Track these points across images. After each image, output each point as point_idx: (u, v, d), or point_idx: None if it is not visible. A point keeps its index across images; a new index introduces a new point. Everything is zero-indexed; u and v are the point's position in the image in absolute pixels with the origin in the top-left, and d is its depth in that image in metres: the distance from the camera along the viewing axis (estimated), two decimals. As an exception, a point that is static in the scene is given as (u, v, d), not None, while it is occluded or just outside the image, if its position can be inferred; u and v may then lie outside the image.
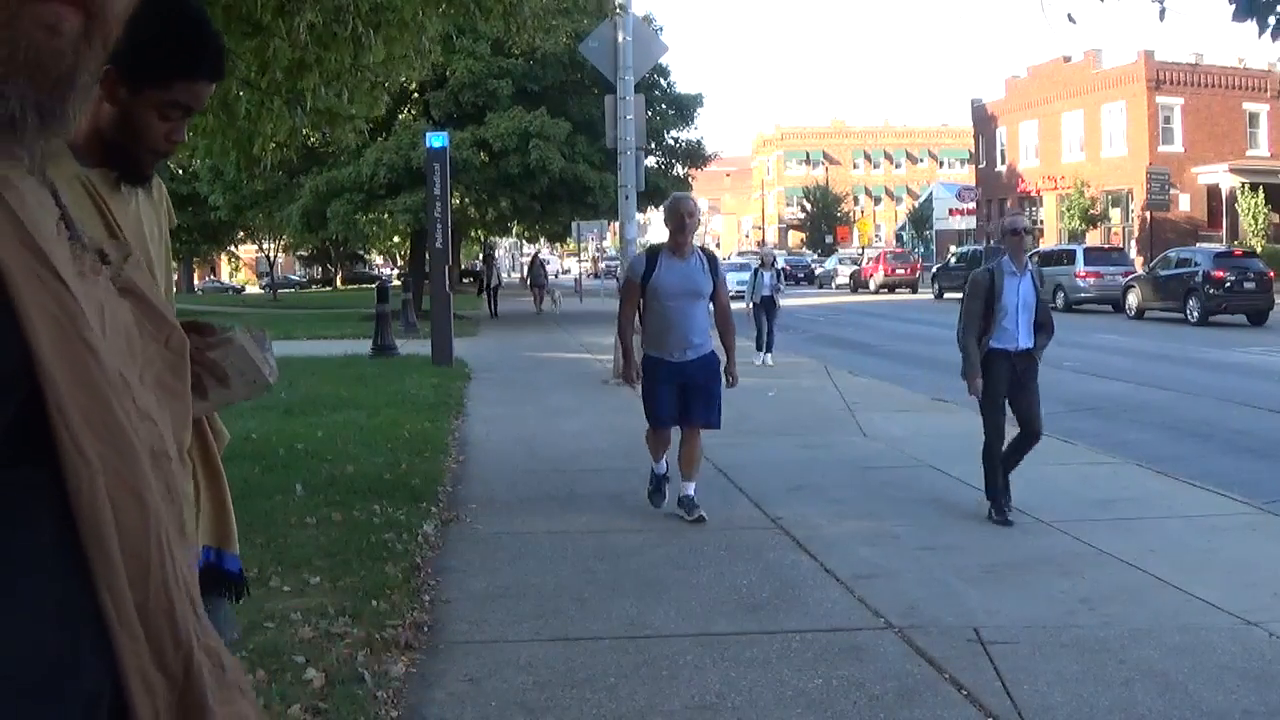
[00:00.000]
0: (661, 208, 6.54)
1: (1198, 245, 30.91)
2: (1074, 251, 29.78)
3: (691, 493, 6.41)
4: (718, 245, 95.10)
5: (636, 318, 6.57)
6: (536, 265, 34.49)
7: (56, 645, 0.76)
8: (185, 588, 0.86)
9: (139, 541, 0.80)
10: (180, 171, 24.65)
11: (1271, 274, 24.04)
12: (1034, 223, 48.74)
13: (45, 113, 0.76)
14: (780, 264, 26.09)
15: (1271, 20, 5.10)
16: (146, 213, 2.17)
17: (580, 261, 48.02)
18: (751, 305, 15.65)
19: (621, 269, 15.94)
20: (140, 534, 0.81)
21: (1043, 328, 6.53)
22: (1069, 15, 6.20)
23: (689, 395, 6.30)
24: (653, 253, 6.42)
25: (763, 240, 78.79)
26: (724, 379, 6.43)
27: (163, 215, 2.25)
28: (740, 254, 59.98)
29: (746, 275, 46.06)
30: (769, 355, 15.41)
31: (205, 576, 2.18)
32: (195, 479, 2.16)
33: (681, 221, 6.27)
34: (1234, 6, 5.19)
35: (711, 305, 6.37)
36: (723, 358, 6.47)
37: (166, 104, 1.97)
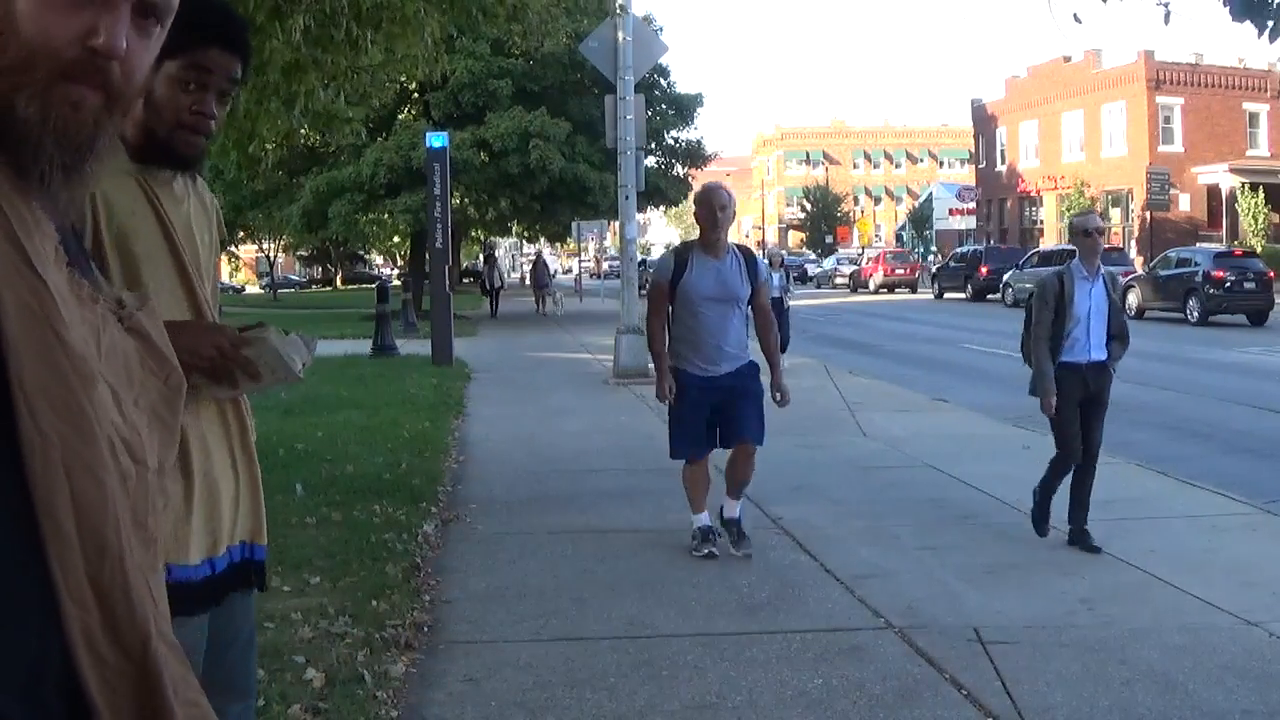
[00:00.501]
0: (693, 198, 5.78)
1: (1198, 245, 30.91)
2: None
3: (738, 514, 5.66)
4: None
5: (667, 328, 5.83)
6: (539, 265, 33.55)
7: None
8: (144, 576, 0.89)
9: (97, 518, 0.84)
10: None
11: (1271, 274, 24.04)
12: (1034, 223, 48.81)
13: (69, 170, 0.89)
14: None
15: (1270, 22, 5.10)
16: (199, 218, 2.17)
17: (581, 261, 47.86)
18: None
19: (624, 268, 15.94)
20: (98, 511, 0.84)
21: (1117, 337, 5.94)
22: (1075, 15, 6.19)
23: (727, 411, 5.51)
24: (682, 251, 5.66)
25: (763, 240, 78.83)
26: (769, 394, 5.70)
27: (214, 225, 2.26)
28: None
29: None
30: (781, 358, 15.58)
31: (238, 573, 2.17)
32: (235, 471, 2.16)
33: (714, 215, 5.47)
34: (1228, 7, 5.20)
35: (750, 310, 5.68)
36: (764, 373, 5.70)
37: (182, 73, 1.96)
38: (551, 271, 36.54)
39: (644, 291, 38.47)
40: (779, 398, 5.64)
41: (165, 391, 1.01)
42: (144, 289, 1.97)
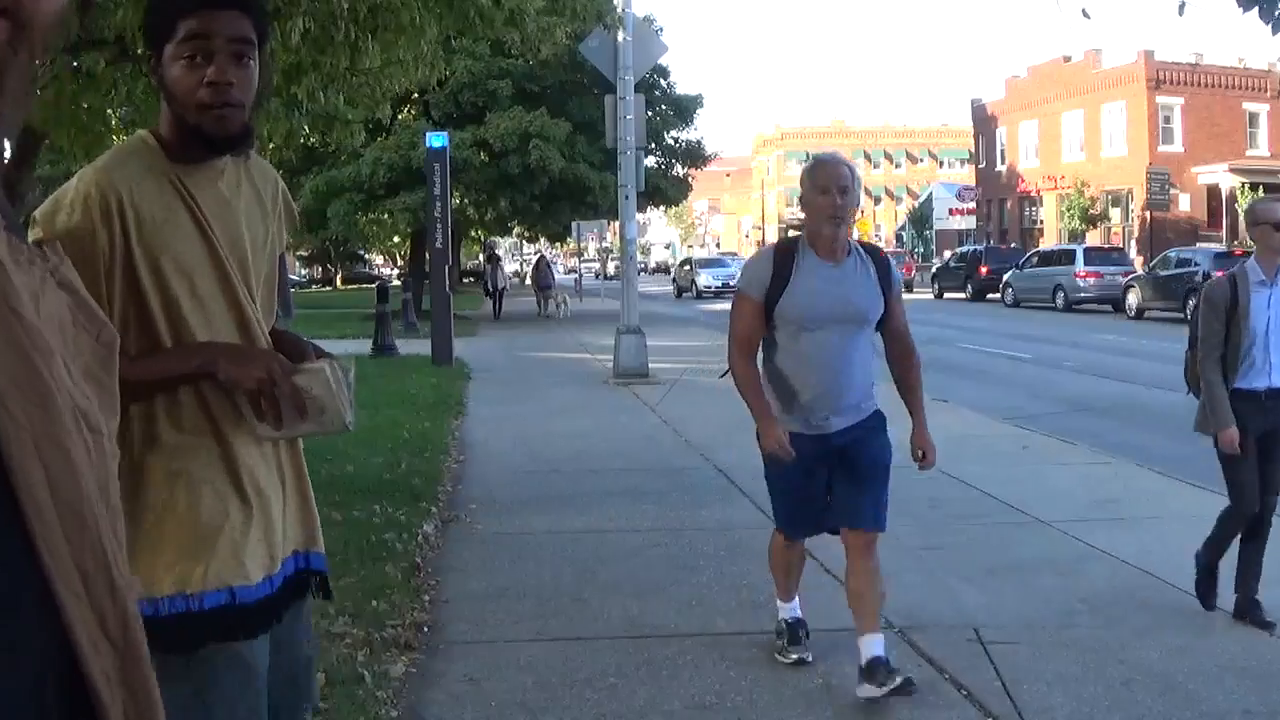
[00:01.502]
0: (802, 173, 3.96)
1: (1198, 246, 30.91)
2: (1073, 251, 29.80)
3: (881, 651, 3.79)
4: (718, 245, 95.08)
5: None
6: (542, 266, 32.44)
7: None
8: (120, 554, 0.87)
9: (72, 496, 0.82)
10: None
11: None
12: (1034, 223, 48.78)
13: None
14: None
15: (1277, 13, 5.10)
16: (252, 214, 2.01)
17: (582, 261, 47.60)
18: None
19: (624, 268, 15.80)
20: (72, 487, 0.82)
21: None
22: (1084, 11, 6.14)
23: (840, 480, 3.89)
24: (784, 251, 3.93)
25: (763, 241, 78.79)
26: (892, 453, 3.99)
27: (274, 215, 2.09)
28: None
29: (731, 271, 43.53)
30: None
31: (295, 584, 2.07)
32: (281, 478, 2.05)
33: (830, 200, 3.73)
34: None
35: (879, 335, 4.02)
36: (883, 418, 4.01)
37: (181, 50, 1.83)
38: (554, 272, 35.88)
39: (681, 291, 37.98)
40: (921, 456, 3.98)
41: (98, 349, 0.95)
42: (180, 303, 1.87)
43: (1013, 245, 42.01)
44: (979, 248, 39.65)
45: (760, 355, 3.99)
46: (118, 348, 0.98)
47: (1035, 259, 30.61)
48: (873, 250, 4.02)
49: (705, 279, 41.89)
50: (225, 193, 1.95)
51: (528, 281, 41.38)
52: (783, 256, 3.90)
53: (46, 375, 0.81)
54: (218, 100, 1.83)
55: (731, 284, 40.66)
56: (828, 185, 3.76)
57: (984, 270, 33.77)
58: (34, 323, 0.82)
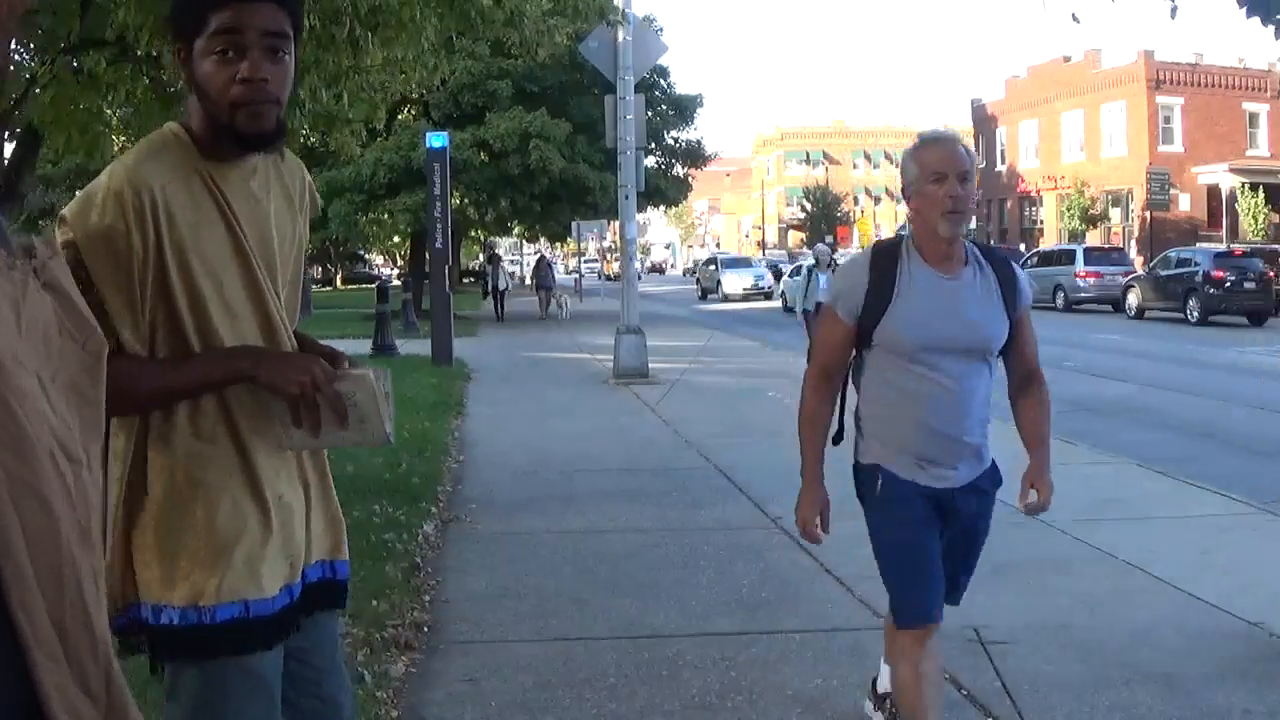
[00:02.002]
0: (904, 156, 3.00)
1: (1197, 245, 30.91)
2: (1073, 251, 29.79)
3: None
4: (718, 245, 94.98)
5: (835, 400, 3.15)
6: (542, 266, 31.93)
7: None
8: (98, 596, 0.83)
9: (50, 549, 0.77)
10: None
11: (1271, 274, 24.05)
12: (1034, 223, 48.79)
13: None
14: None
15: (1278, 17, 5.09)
16: (281, 215, 1.96)
17: (583, 261, 47.31)
18: (803, 313, 13.74)
19: (624, 268, 15.77)
20: (49, 538, 0.77)
21: None
22: (1073, 15, 6.13)
23: (946, 548, 3.13)
24: (885, 257, 2.99)
25: (763, 240, 78.80)
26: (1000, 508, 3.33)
27: (301, 213, 2.04)
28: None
29: (759, 271, 42.10)
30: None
31: (321, 592, 2.03)
32: (304, 484, 1.99)
33: (949, 191, 2.84)
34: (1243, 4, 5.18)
35: (1002, 363, 3.19)
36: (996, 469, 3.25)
37: (212, 45, 1.76)
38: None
39: (705, 294, 37.33)
40: (1036, 500, 3.28)
41: (85, 359, 0.90)
42: (207, 303, 1.83)
43: (1009, 246, 42.00)
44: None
45: (860, 392, 3.12)
46: (106, 356, 0.93)
47: (1035, 259, 30.64)
48: (993, 255, 3.10)
49: (731, 281, 39.38)
50: (256, 192, 1.90)
51: (528, 281, 41.22)
52: (884, 264, 2.97)
53: (22, 417, 0.77)
54: (253, 98, 1.77)
55: (761, 285, 39.07)
56: (945, 169, 2.86)
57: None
58: (10, 361, 0.77)
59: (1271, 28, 5.02)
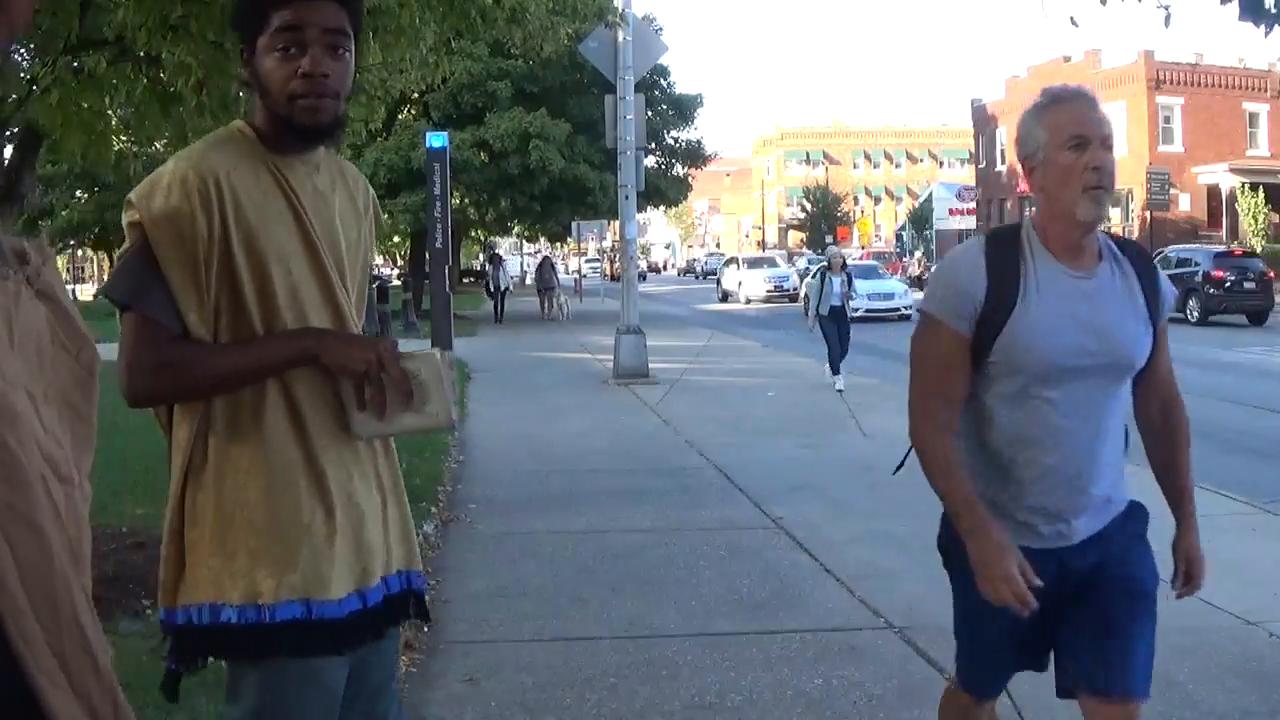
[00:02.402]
0: (1024, 119, 2.29)
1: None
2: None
3: None
4: (718, 245, 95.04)
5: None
6: (545, 267, 30.97)
7: None
8: (94, 617, 0.82)
9: (43, 576, 0.76)
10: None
11: (1271, 274, 24.06)
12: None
13: None
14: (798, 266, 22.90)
15: (1278, 28, 5.10)
16: (346, 213, 1.96)
17: (586, 261, 46.93)
18: (818, 317, 13.04)
19: (624, 268, 15.79)
20: (43, 567, 0.76)
21: None
22: (1071, 18, 6.14)
23: (1082, 616, 2.37)
24: (1004, 247, 2.32)
25: (763, 240, 78.77)
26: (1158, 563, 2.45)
27: (365, 221, 2.04)
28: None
29: (784, 273, 37.89)
30: (840, 378, 12.65)
31: (395, 605, 1.96)
32: (381, 493, 1.94)
33: (1090, 160, 2.19)
34: (1238, 5, 5.19)
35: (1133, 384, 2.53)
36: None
37: (274, 42, 1.79)
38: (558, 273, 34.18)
39: (726, 296, 35.42)
40: (1185, 577, 2.44)
41: (78, 372, 0.88)
42: (274, 291, 1.80)
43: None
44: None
45: (965, 421, 2.40)
46: (98, 370, 0.91)
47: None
48: (1129, 248, 2.43)
49: (753, 283, 36.76)
50: (322, 187, 1.91)
51: (528, 281, 40.98)
52: (1003, 258, 2.29)
53: (14, 444, 0.76)
54: (312, 91, 1.79)
55: (785, 287, 34.91)
56: (1085, 133, 2.20)
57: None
58: (7, 370, 0.75)
59: (1264, 28, 5.03)
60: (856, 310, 24.48)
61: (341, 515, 1.83)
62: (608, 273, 49.87)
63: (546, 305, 29.56)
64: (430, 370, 1.85)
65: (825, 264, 13.57)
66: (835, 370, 12.72)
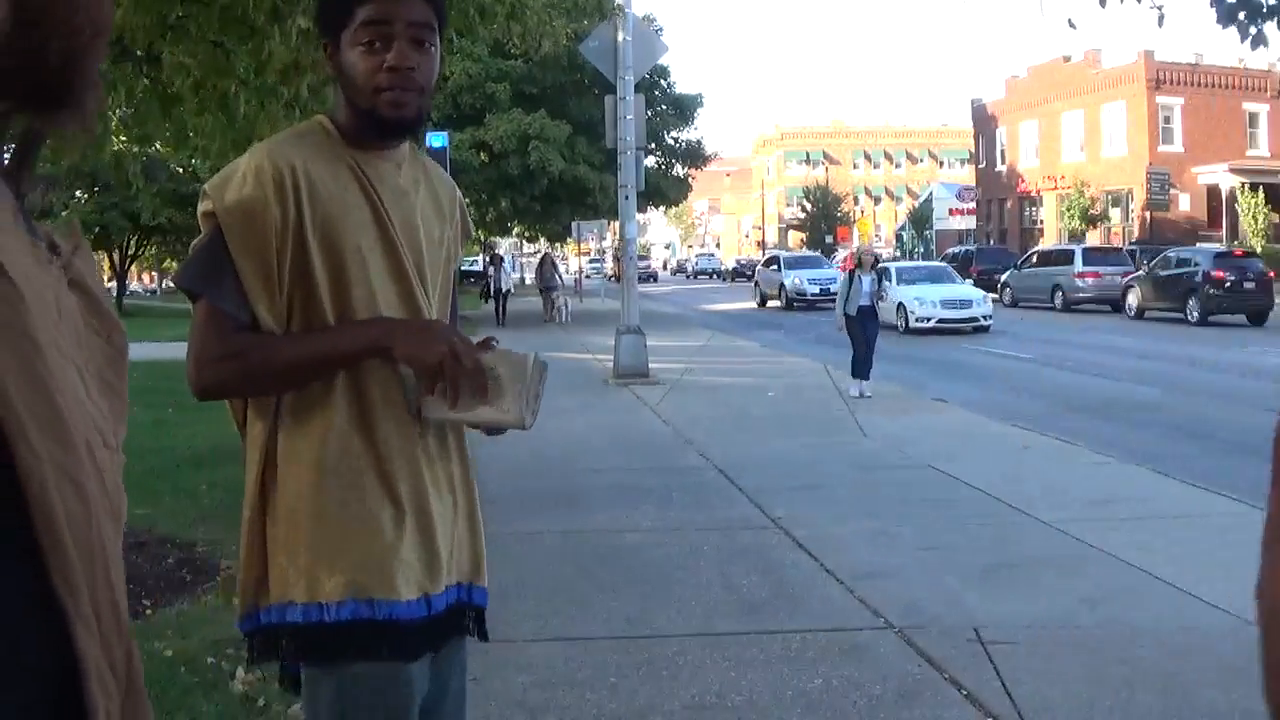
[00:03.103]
0: None
1: (1198, 245, 30.92)
2: (1072, 251, 29.70)
3: None
4: (718, 245, 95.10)
5: None
6: (546, 266, 29.60)
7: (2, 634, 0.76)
8: (123, 576, 0.86)
9: (84, 533, 0.80)
10: (180, 171, 24.65)
11: (1272, 274, 24.05)
12: (1034, 223, 48.80)
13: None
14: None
15: (1253, 30, 5.14)
16: (428, 211, 1.91)
17: (589, 261, 46.46)
18: (845, 317, 12.19)
19: (624, 268, 15.73)
20: (83, 523, 0.80)
21: None
22: (1069, 20, 6.14)
23: None
24: None
25: (763, 240, 78.78)
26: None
27: (451, 222, 1.98)
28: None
29: (831, 273, 33.34)
30: (865, 384, 12.00)
31: (454, 617, 1.88)
32: (454, 500, 1.91)
33: None
34: (1215, 11, 5.23)
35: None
36: None
37: (359, 37, 1.76)
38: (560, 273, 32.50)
39: (764, 300, 33.50)
40: None
41: (110, 352, 0.91)
42: (350, 287, 1.77)
43: (997, 246, 42.16)
44: (970, 248, 39.69)
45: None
46: (128, 352, 0.95)
47: (1034, 259, 30.64)
48: None
49: (795, 283, 32.69)
50: (404, 184, 1.86)
51: (529, 281, 40.62)
52: None
53: (60, 405, 0.80)
54: (397, 84, 1.76)
55: (833, 290, 25.85)
56: None
57: (974, 271, 33.69)
58: (50, 351, 0.80)
59: (1248, 41, 5.06)
60: (927, 321, 21.74)
61: (410, 516, 1.79)
62: (612, 273, 48.69)
63: (549, 307, 28.35)
64: (510, 368, 1.81)
65: (856, 261, 12.85)
66: (857, 374, 12.03)
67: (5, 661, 0.76)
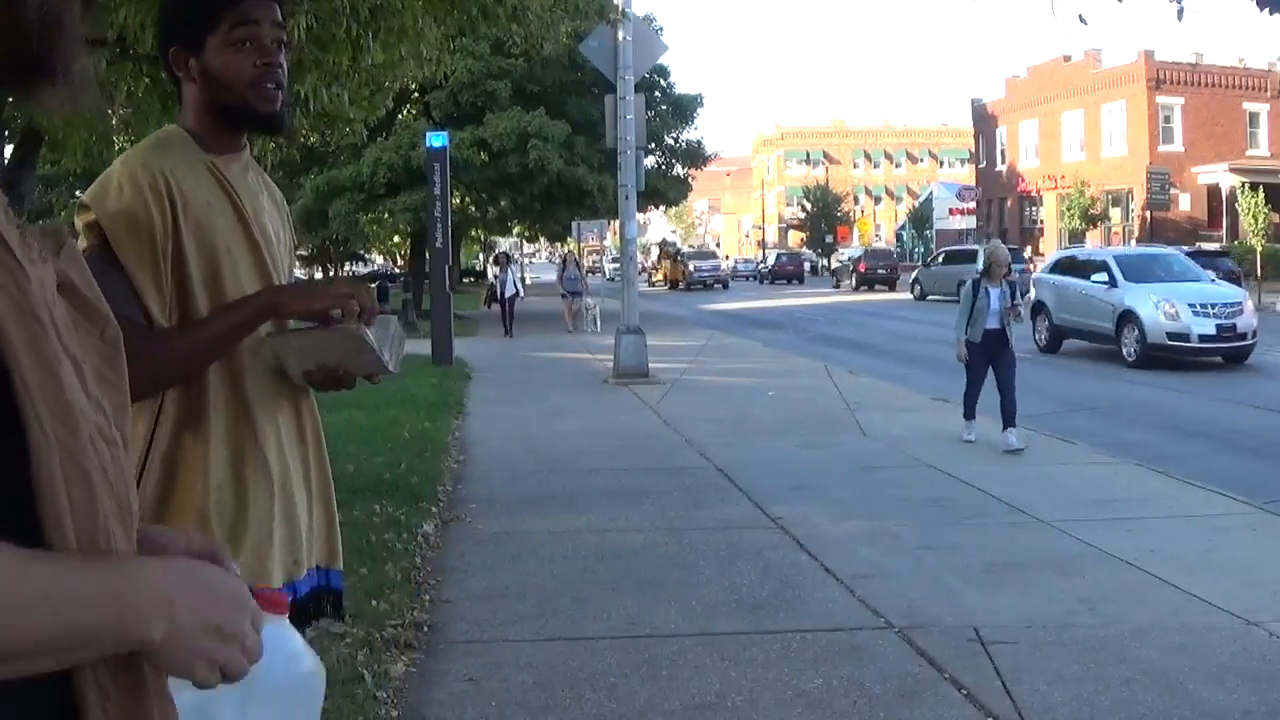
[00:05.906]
0: None
1: (1197, 245, 30.89)
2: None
3: None
4: (718, 245, 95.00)
5: None
6: (569, 267, 25.71)
7: None
8: None
9: (88, 521, 0.80)
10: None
11: (1241, 272, 24.01)
12: (1034, 223, 48.79)
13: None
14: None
15: None
16: (273, 214, 2.03)
17: (594, 260, 46.17)
18: (966, 343, 8.95)
19: (625, 268, 15.72)
20: (88, 513, 0.80)
21: None
22: (1080, 16, 6.09)
23: None
24: None
25: (763, 240, 78.76)
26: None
27: (287, 224, 2.11)
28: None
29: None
30: (1013, 432, 8.63)
31: (314, 600, 1.98)
32: (309, 485, 1.97)
33: None
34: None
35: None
36: None
37: (230, 36, 1.85)
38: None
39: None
40: None
41: (104, 349, 0.91)
42: (223, 284, 1.86)
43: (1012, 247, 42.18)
44: (963, 248, 39.79)
45: None
46: (123, 345, 0.95)
47: (941, 258, 31.42)
48: None
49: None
50: (252, 185, 1.97)
51: (529, 281, 39.94)
52: None
53: (66, 390, 0.80)
54: (269, 79, 1.88)
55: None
56: None
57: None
58: (53, 332, 0.80)
59: None
60: (1188, 339, 14.35)
61: (279, 503, 1.88)
62: (668, 276, 46.62)
63: (574, 315, 24.32)
64: (378, 326, 1.93)
65: (981, 268, 9.35)
66: (970, 415, 9.03)
67: None
